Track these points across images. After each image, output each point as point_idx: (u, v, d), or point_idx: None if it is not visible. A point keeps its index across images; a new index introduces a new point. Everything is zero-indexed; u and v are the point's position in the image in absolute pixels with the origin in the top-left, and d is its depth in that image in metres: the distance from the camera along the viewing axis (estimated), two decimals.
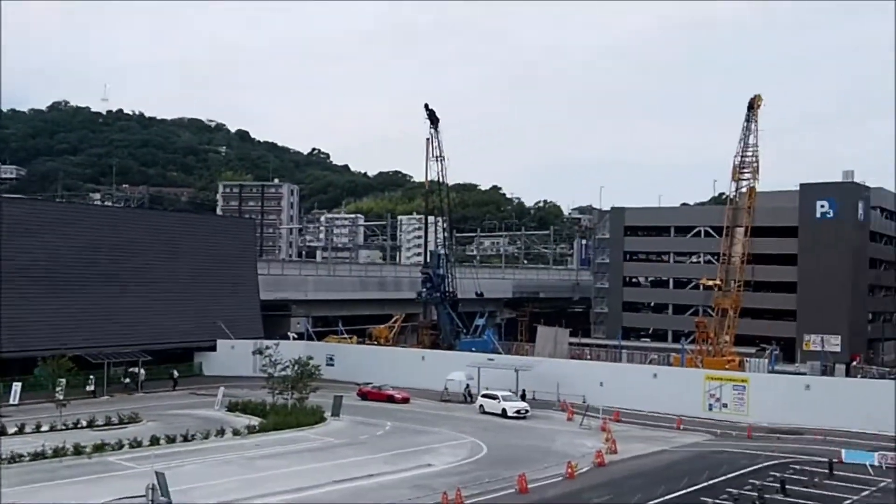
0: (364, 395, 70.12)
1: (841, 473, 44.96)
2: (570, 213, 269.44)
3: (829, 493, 40.81)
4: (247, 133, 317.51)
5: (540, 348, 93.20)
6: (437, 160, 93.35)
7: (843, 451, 49.39)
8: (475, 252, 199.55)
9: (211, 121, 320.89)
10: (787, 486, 40.73)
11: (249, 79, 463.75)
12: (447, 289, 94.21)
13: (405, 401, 68.58)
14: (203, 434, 50.71)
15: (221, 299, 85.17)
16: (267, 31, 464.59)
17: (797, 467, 46.46)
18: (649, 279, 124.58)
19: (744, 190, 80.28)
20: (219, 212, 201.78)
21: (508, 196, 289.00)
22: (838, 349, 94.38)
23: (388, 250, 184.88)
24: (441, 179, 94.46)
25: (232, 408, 60.79)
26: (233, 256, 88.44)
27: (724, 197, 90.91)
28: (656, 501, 38.57)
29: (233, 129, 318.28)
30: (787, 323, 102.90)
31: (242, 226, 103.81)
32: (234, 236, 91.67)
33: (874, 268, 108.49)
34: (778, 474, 43.78)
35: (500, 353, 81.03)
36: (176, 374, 74.22)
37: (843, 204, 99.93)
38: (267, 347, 63.98)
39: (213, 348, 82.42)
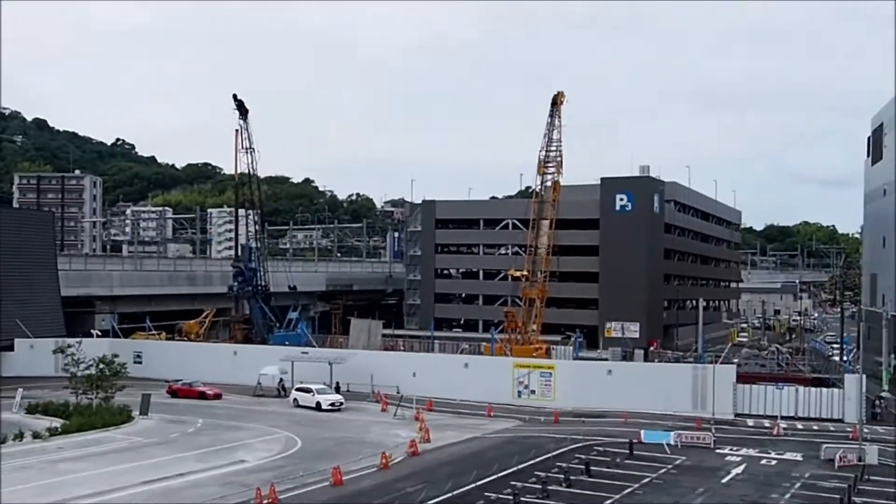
0: (174, 393, 68.35)
1: (640, 453, 47.51)
2: (382, 207, 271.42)
3: (630, 472, 43.00)
4: (45, 122, 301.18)
5: (354, 340, 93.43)
6: (247, 152, 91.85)
7: (642, 431, 52.02)
8: (288, 245, 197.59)
9: (4, 108, 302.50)
10: (592, 468, 42.66)
11: (46, 65, 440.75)
12: (259, 282, 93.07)
13: (217, 397, 67.37)
14: None
15: (18, 296, 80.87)
16: (67, 15, 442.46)
17: (601, 449, 48.75)
18: (460, 271, 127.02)
19: (549, 184, 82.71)
20: (15, 204, 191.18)
21: (321, 189, 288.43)
22: (637, 335, 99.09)
23: (198, 244, 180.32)
24: (252, 171, 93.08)
25: (32, 410, 57.85)
26: (30, 251, 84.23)
27: (530, 191, 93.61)
28: (468, 488, 39.51)
29: (29, 118, 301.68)
30: (590, 311, 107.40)
31: (40, 219, 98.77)
32: (32, 230, 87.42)
33: (668, 258, 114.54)
34: (583, 456, 45.74)
35: (313, 347, 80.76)
36: None
37: (640, 197, 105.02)
38: (69, 346, 61.75)
39: (11, 348, 78.33)
